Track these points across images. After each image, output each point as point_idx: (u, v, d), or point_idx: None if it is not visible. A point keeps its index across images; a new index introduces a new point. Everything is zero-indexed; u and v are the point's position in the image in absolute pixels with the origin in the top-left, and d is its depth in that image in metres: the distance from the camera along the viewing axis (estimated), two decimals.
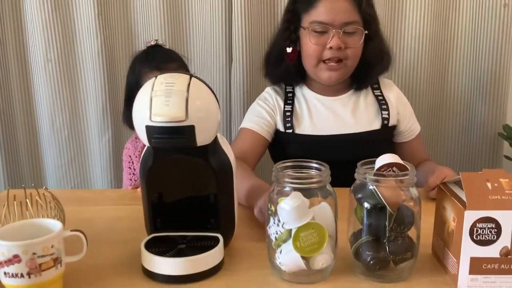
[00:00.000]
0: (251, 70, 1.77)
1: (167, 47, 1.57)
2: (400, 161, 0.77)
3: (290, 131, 1.34)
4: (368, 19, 1.29)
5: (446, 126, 1.91)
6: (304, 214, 0.75)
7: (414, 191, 0.77)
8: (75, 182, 1.93)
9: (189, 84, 0.74)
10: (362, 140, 1.33)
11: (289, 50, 1.32)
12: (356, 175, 0.79)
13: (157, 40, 1.48)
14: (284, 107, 1.37)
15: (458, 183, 0.83)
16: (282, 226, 0.76)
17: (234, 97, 1.81)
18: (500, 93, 1.83)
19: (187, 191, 0.87)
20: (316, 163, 0.81)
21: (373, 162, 0.80)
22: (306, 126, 1.34)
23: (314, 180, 0.76)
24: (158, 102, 0.72)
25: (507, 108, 1.86)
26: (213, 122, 0.78)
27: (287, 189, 0.76)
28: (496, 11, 1.77)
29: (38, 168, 1.96)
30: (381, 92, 1.40)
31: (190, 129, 0.73)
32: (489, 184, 0.75)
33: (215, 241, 0.82)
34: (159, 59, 1.40)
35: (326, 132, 1.33)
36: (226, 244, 0.86)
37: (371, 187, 0.76)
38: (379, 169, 0.77)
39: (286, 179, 0.76)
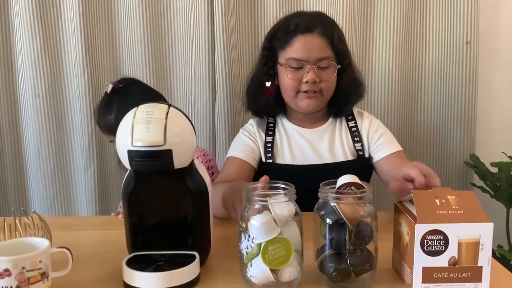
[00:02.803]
0: (233, 103, 1.87)
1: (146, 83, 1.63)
2: (358, 181, 0.86)
3: (271, 161, 1.42)
4: (340, 54, 1.39)
5: (417, 155, 2.01)
6: (272, 229, 0.82)
7: (371, 208, 0.86)
8: (60, 213, 1.98)
9: (167, 113, 0.83)
10: (338, 169, 1.37)
11: (268, 84, 1.41)
12: (319, 194, 0.87)
13: (108, 84, 1.43)
14: (265, 139, 1.46)
15: (412, 201, 0.91)
16: (252, 241, 0.83)
17: (218, 129, 1.90)
18: (468, 124, 1.94)
19: (166, 213, 0.94)
20: (283, 183, 0.89)
21: (335, 183, 0.89)
22: (285, 156, 1.42)
23: (281, 199, 0.84)
24: (139, 129, 0.81)
25: (475, 138, 1.97)
26: (189, 146, 0.86)
27: (257, 206, 0.84)
28: (459, 48, 1.89)
29: (25, 200, 2.00)
30: (355, 123, 1.48)
31: (168, 153, 0.81)
32: (437, 201, 0.84)
33: (192, 258, 0.89)
34: (100, 112, 1.41)
35: (304, 162, 1.42)
36: (202, 262, 0.93)
37: (332, 204, 0.84)
38: (339, 188, 0.86)
39: (256, 198, 0.84)
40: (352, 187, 0.85)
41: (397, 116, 1.95)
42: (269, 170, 1.41)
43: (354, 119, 1.49)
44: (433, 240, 0.81)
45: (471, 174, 1.97)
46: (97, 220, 1.35)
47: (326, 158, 1.42)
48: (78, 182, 1.96)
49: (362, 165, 1.45)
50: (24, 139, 1.94)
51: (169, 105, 0.86)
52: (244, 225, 0.85)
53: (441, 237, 0.81)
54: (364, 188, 0.85)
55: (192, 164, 0.90)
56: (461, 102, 1.93)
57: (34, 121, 1.89)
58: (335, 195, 0.84)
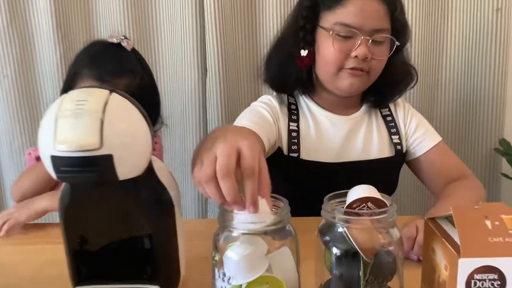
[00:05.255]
0: (228, 82, 1.62)
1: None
2: (377, 195, 0.62)
3: (295, 155, 1.12)
4: (400, 29, 1.10)
5: None
6: (256, 264, 0.59)
7: (395, 233, 0.62)
8: None
9: (106, 102, 0.58)
10: (375, 168, 1.15)
11: (304, 53, 1.10)
12: (322, 213, 0.63)
13: (125, 37, 1.17)
14: (289, 125, 1.15)
15: (450, 218, 0.67)
16: (229, 282, 0.60)
17: (210, 113, 1.65)
18: (497, 104, 1.70)
19: (116, 234, 0.70)
20: (274, 197, 0.65)
21: (344, 195, 0.65)
22: (314, 150, 1.13)
23: (270, 222, 0.60)
24: (65, 126, 0.56)
25: (504, 120, 1.73)
26: (141, 148, 0.62)
27: (234, 234, 0.60)
28: (488, 16, 1.64)
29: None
30: (389, 111, 1.21)
31: (107, 160, 0.57)
32: (488, 223, 0.59)
33: None
34: (109, 66, 1.11)
35: (337, 158, 1.14)
36: None
37: (340, 229, 0.60)
38: (350, 205, 0.61)
39: (234, 222, 0.60)
40: (369, 204, 0.61)
41: (416, 94, 1.69)
42: (294, 167, 1.13)
43: (388, 105, 1.22)
44: (484, 280, 0.57)
45: (500, 162, 1.72)
46: None
47: (363, 154, 1.16)
48: None
49: (400, 163, 1.20)
50: None
51: (112, 90, 0.61)
52: (217, 258, 0.61)
53: (496, 276, 0.57)
54: (386, 206, 0.61)
55: (149, 171, 0.66)
56: (489, 78, 1.68)
57: (3, 103, 1.67)
58: (346, 216, 0.59)
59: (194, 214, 1.75)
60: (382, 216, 0.59)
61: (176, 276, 0.72)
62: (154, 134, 1.20)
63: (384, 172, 1.16)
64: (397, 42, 1.09)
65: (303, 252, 0.64)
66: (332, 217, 0.60)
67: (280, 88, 1.20)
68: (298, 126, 1.14)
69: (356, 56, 1.04)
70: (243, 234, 0.59)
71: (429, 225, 0.68)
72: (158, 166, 0.69)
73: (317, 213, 0.93)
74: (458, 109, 1.75)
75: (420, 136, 1.18)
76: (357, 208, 0.61)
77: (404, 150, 1.18)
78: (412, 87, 1.20)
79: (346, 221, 0.59)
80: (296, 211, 1.13)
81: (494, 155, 1.71)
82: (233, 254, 0.59)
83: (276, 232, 0.61)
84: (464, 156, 1.75)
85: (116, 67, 1.11)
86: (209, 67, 1.59)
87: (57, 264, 0.85)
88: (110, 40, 1.16)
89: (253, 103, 1.19)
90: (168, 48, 1.69)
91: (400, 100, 1.23)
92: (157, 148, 1.32)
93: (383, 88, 1.14)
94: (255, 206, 0.58)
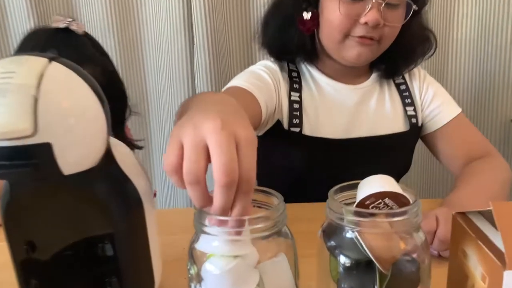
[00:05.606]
0: (217, 52, 1.46)
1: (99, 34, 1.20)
2: (396, 188, 0.48)
3: (297, 130, 0.98)
4: None
5: None
6: (243, 279, 0.46)
7: (419, 236, 0.48)
8: None
9: (42, 74, 0.44)
10: (387, 145, 1.01)
11: (307, 15, 0.95)
12: (327, 212, 0.49)
13: (73, 20, 0.97)
14: (290, 95, 1.00)
15: (485, 213, 0.54)
16: None
17: (199, 86, 1.50)
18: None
19: (70, 238, 0.57)
20: (264, 191, 0.51)
21: (354, 188, 0.51)
22: (317, 125, 1.00)
23: (261, 225, 0.47)
24: None
25: None
26: (92, 133, 0.48)
27: (215, 242, 0.47)
28: None
29: None
30: (403, 79, 1.07)
31: (44, 150, 0.43)
32: None
33: None
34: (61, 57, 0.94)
35: (344, 134, 1.00)
36: None
37: (350, 234, 0.47)
38: (362, 202, 0.48)
39: (214, 226, 0.47)
40: (386, 201, 0.48)
41: (426, 66, 1.54)
42: (295, 144, 0.99)
43: (401, 74, 1.07)
44: None
45: None
46: None
47: (374, 128, 1.02)
48: None
49: (415, 138, 1.06)
50: None
51: (51, 58, 0.47)
52: (193, 271, 0.48)
53: None
54: (408, 202, 0.47)
55: (108, 160, 0.53)
56: (504, 47, 1.53)
57: None
58: (357, 218, 0.46)
59: (182, 202, 1.63)
60: (403, 217, 0.45)
61: (148, 284, 0.60)
62: (124, 125, 1.06)
63: (398, 150, 1.02)
64: (414, 6, 0.93)
65: (304, 255, 0.52)
66: (339, 218, 0.47)
67: (279, 54, 1.05)
68: (300, 97, 1.00)
69: (366, 23, 0.89)
70: (226, 242, 0.46)
71: (458, 221, 0.54)
72: (120, 152, 0.56)
73: (321, 198, 0.79)
74: (472, 80, 1.60)
75: (438, 107, 1.04)
76: (371, 206, 0.47)
77: (420, 124, 1.04)
78: (430, 55, 1.05)
79: (358, 224, 0.46)
80: (297, 196, 1.01)
81: (510, 126, 1.58)
82: (213, 268, 0.46)
83: (269, 237, 0.48)
84: (479, 123, 1.62)
85: (70, 56, 0.93)
86: (197, 36, 1.44)
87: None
88: (55, 25, 0.96)
89: (250, 67, 1.04)
90: (151, 16, 1.53)
91: (417, 69, 1.08)
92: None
93: (396, 56, 1.00)
94: (239, 231, 0.45)
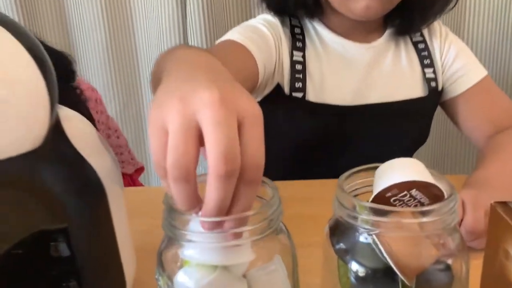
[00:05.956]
0: (212, 6, 1.33)
1: None
2: (428, 177, 0.37)
3: (299, 95, 0.85)
4: None
5: None
6: None
7: (455, 238, 0.37)
8: None
9: None
10: (403, 113, 0.89)
11: None
12: (335, 206, 0.38)
13: None
14: (292, 54, 0.87)
15: None
16: None
17: (192, 43, 1.37)
18: None
19: (18, 235, 0.46)
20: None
21: (370, 172, 0.40)
22: (323, 89, 0.87)
23: (251, 227, 0.36)
24: None
25: None
26: (30, 108, 0.37)
27: (191, 248, 0.36)
28: None
29: None
30: (422, 36, 0.93)
31: None
32: None
33: None
34: None
35: (354, 100, 0.87)
36: None
37: (365, 237, 0.36)
38: (382, 194, 0.37)
39: (190, 228, 0.36)
40: (413, 193, 0.36)
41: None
42: (297, 111, 0.87)
43: (419, 30, 0.93)
44: None
45: None
46: None
47: (388, 94, 0.89)
48: None
49: (434, 105, 0.93)
50: None
51: None
52: (162, 282, 0.38)
53: None
54: (441, 194, 0.36)
55: (56, 139, 0.41)
56: None
57: None
58: (375, 217, 0.35)
59: None
60: (437, 217, 0.34)
61: (117, 284, 0.49)
62: (80, 99, 0.94)
63: (415, 118, 0.90)
64: None
65: (310, 244, 0.41)
66: (351, 215, 0.36)
67: (280, 7, 0.90)
68: (303, 57, 0.87)
69: None
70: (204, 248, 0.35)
71: (499, 214, 0.43)
72: (74, 128, 0.44)
73: (327, 175, 0.67)
74: (488, 36, 1.46)
75: (460, 68, 0.90)
76: (393, 200, 0.36)
77: (440, 88, 0.91)
78: (452, 8, 0.91)
79: (376, 224, 0.35)
80: (300, 172, 0.90)
81: None
82: (187, 279, 0.35)
83: (261, 237, 0.37)
84: None
85: None
86: None
87: None
88: None
89: (248, 20, 0.91)
90: None
91: (436, 23, 0.94)
92: (101, 120, 1.05)
93: (412, 8, 0.85)
94: (238, 234, 0.34)
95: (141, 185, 1.18)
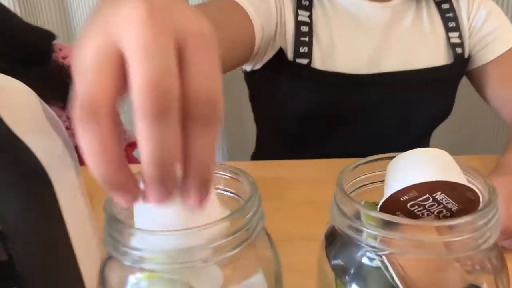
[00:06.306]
0: None
1: None
2: (457, 176, 0.27)
3: (305, 61, 0.75)
4: None
5: None
6: None
7: (491, 257, 0.28)
8: None
9: None
10: (424, 83, 0.79)
11: None
12: (333, 214, 0.29)
13: None
14: (297, 14, 0.76)
15: None
16: None
17: None
18: None
19: None
20: (229, 170, 0.31)
21: (382, 163, 0.31)
22: (333, 55, 0.77)
23: (225, 240, 0.26)
24: None
25: None
26: None
27: (147, 265, 0.27)
28: None
29: None
30: None
31: None
32: None
33: None
34: None
35: (368, 68, 0.77)
36: None
37: (372, 257, 0.27)
38: (396, 197, 0.27)
39: (137, 239, 0.27)
40: (439, 197, 0.27)
41: None
42: (302, 80, 0.77)
43: None
44: None
45: None
46: None
47: (408, 61, 0.78)
48: None
49: (460, 74, 0.82)
50: None
51: None
52: None
53: None
54: (478, 199, 0.27)
55: None
56: None
57: None
58: (386, 232, 0.25)
59: None
60: (469, 234, 0.25)
61: None
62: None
63: (438, 89, 0.79)
64: None
65: (311, 237, 0.33)
66: (353, 227, 0.26)
67: None
68: (310, 17, 0.75)
69: None
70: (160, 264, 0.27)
71: None
72: (8, 103, 0.35)
73: (335, 153, 0.61)
74: None
75: (491, 33, 0.78)
76: (410, 204, 0.27)
77: (466, 55, 0.80)
78: None
79: (387, 242, 0.25)
80: (304, 148, 0.80)
81: None
82: None
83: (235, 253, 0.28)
84: None
85: None
86: None
87: None
88: None
89: None
90: None
91: None
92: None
93: None
94: (203, 199, 0.25)
95: (136, 161, 1.09)
